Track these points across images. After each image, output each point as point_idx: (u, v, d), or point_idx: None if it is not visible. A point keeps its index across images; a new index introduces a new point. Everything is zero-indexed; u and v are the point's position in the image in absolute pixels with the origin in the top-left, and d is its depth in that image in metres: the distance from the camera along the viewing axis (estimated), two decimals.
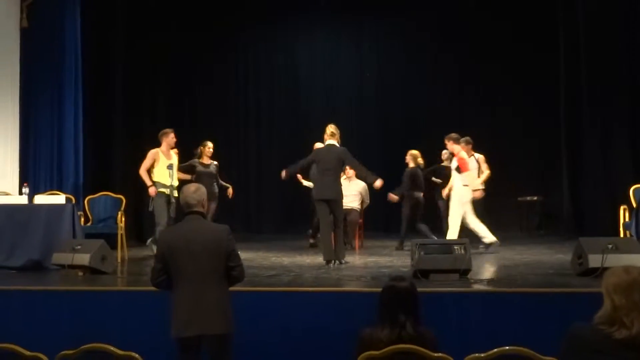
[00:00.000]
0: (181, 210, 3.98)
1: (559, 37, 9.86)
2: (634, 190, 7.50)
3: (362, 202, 8.98)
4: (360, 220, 9.04)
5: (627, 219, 7.10)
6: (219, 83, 12.27)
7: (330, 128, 7.18)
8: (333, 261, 6.88)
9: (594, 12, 9.39)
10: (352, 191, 8.75)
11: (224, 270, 3.76)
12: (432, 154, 10.81)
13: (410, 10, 11.50)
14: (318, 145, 7.70)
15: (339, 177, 7.30)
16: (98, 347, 3.02)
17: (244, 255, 7.18)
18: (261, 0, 11.68)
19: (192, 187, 3.92)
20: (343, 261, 6.96)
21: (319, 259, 7.15)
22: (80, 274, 6.25)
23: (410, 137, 11.57)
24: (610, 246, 5.51)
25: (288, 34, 12.19)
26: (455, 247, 5.71)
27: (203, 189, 3.93)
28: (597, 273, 5.24)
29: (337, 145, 7.14)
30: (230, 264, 3.77)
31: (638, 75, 8.92)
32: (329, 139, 7.14)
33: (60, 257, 6.36)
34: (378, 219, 10.84)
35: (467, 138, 8.27)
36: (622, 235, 7.12)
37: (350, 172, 8.75)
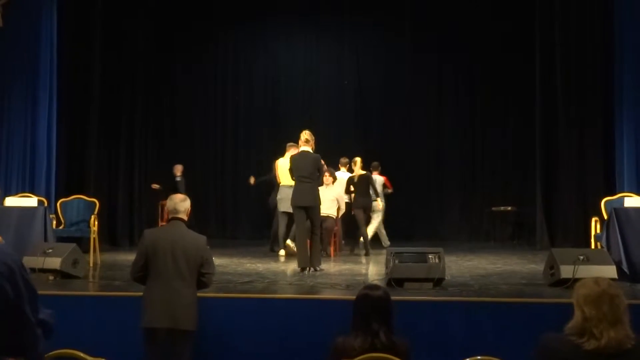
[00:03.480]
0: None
1: (536, 52, 10.00)
2: (605, 203, 7.62)
3: (338, 209, 8.98)
4: (336, 228, 9.04)
5: (598, 231, 7.20)
6: (197, 85, 12.21)
7: (305, 135, 7.17)
8: (308, 268, 6.88)
9: (570, 28, 9.57)
10: (330, 197, 8.76)
11: (196, 274, 4.17)
12: (411, 160, 10.88)
13: (390, 15, 11.60)
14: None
15: (316, 184, 7.30)
16: (67, 353, 2.97)
17: (219, 261, 7.17)
18: (241, 4, 11.67)
19: (181, 196, 4.42)
20: (318, 268, 6.96)
21: (294, 266, 7.13)
22: (51, 278, 6.15)
23: (389, 142, 11.66)
24: (581, 257, 5.59)
25: (267, 37, 12.16)
26: (430, 256, 5.74)
27: (188, 201, 4.38)
28: (569, 284, 5.30)
29: (311, 151, 7.14)
30: (203, 270, 4.19)
31: (611, 93, 9.10)
32: (303, 145, 7.14)
33: (30, 261, 6.22)
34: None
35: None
36: (593, 246, 7.22)
37: (328, 179, 8.77)
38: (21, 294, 1.45)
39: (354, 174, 9.20)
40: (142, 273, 4.20)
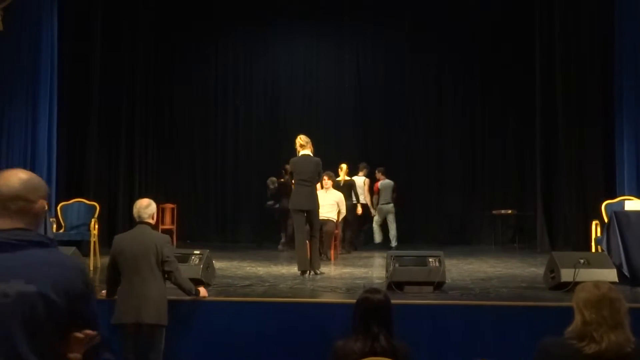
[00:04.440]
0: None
1: (536, 53, 10.02)
2: (605, 206, 7.62)
3: (338, 213, 8.98)
4: (337, 231, 9.03)
5: (598, 234, 7.20)
6: (197, 87, 12.19)
7: (301, 139, 7.13)
8: (308, 272, 6.87)
9: (570, 28, 9.59)
10: (329, 201, 8.75)
11: (160, 272, 4.49)
12: (411, 162, 10.83)
13: (390, 15, 11.58)
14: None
15: (315, 187, 7.30)
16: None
17: (219, 264, 7.17)
18: (241, 5, 11.68)
19: (145, 201, 4.65)
20: (318, 272, 6.95)
21: (294, 269, 7.13)
22: None
23: (389, 143, 11.66)
24: (582, 261, 5.59)
25: (267, 38, 12.14)
26: (430, 260, 5.74)
27: (154, 205, 4.66)
28: (569, 287, 5.29)
29: (312, 155, 7.13)
30: (166, 268, 4.51)
31: (610, 96, 9.10)
32: (302, 149, 7.11)
33: None
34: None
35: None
36: (593, 250, 7.22)
37: (328, 182, 8.77)
38: (90, 287, 1.98)
39: (339, 179, 9.63)
40: (114, 278, 4.56)
